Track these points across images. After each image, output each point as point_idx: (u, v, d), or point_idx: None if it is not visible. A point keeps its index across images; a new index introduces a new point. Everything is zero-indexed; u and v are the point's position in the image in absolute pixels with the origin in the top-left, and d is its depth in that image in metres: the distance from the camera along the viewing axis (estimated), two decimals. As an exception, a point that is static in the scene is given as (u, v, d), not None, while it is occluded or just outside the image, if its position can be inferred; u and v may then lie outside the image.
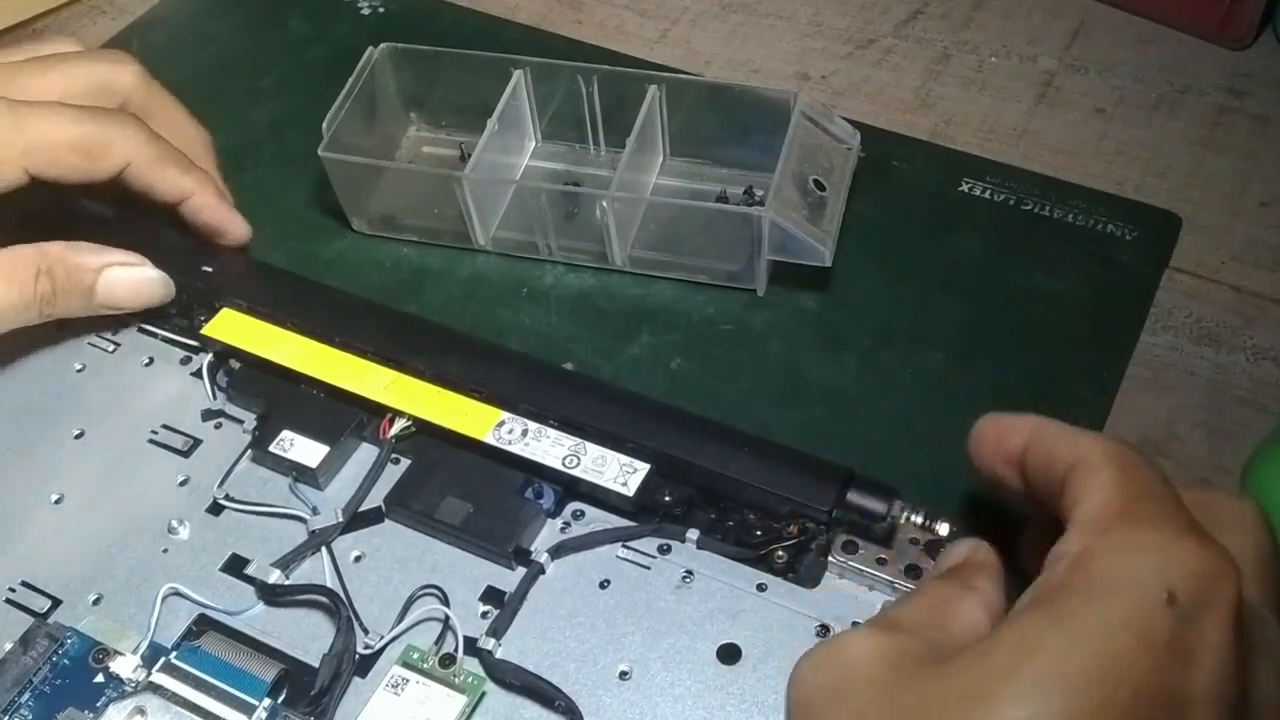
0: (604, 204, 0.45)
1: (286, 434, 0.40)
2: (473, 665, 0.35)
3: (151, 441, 0.41)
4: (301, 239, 0.51)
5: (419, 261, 0.49)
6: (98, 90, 0.43)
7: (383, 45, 0.51)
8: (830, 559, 0.36)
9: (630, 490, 0.37)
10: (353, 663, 0.35)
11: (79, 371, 0.43)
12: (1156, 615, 0.24)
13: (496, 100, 0.49)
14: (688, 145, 0.51)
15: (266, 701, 0.34)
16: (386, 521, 0.39)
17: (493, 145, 0.49)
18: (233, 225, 0.45)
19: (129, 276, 0.42)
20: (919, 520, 0.36)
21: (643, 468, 0.38)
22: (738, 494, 0.37)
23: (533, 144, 0.53)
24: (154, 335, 0.44)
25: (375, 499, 0.39)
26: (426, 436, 0.40)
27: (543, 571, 0.37)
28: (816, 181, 0.46)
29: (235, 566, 0.38)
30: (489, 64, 0.50)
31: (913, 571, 0.35)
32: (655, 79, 0.48)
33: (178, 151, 0.44)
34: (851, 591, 0.36)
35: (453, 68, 0.51)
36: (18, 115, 0.39)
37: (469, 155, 0.48)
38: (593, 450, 0.38)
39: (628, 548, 0.37)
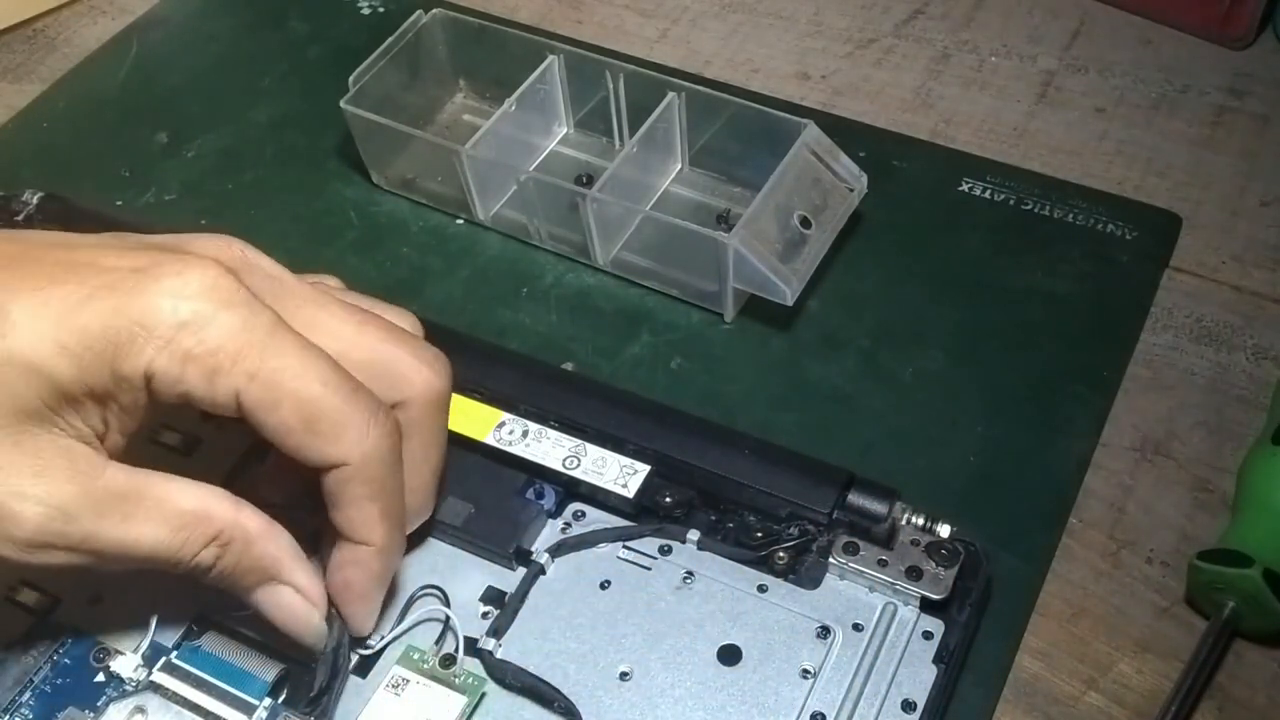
0: (584, 202, 0.45)
1: (287, 434, 0.40)
2: (473, 666, 0.35)
3: (152, 441, 0.41)
4: (301, 238, 0.51)
5: (419, 261, 0.50)
6: (382, 376, 0.33)
7: (434, 11, 0.52)
8: (831, 560, 0.36)
9: (630, 492, 0.37)
10: (351, 662, 0.35)
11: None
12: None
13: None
14: (707, 159, 0.50)
15: (267, 701, 0.34)
16: (387, 522, 0.39)
17: (509, 125, 0.49)
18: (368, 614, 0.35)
19: (297, 609, 0.33)
20: (920, 522, 0.36)
21: (643, 469, 0.38)
22: (738, 496, 0.37)
23: (563, 131, 0.53)
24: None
25: (376, 499, 0.39)
26: (427, 437, 0.40)
27: (543, 572, 0.37)
28: (803, 218, 0.45)
29: (236, 567, 0.38)
30: (530, 45, 0.51)
31: (914, 573, 0.35)
32: (677, 87, 0.48)
33: (401, 500, 0.34)
34: (852, 593, 0.36)
35: (497, 43, 0.51)
36: (276, 338, 0.31)
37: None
38: (593, 451, 0.38)
39: (628, 548, 0.37)
